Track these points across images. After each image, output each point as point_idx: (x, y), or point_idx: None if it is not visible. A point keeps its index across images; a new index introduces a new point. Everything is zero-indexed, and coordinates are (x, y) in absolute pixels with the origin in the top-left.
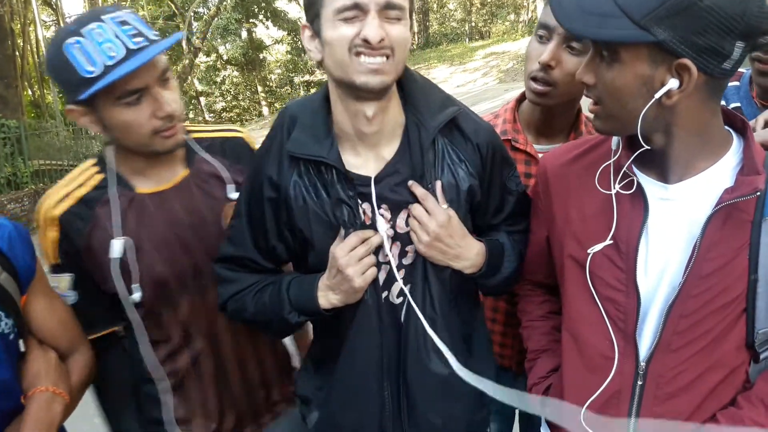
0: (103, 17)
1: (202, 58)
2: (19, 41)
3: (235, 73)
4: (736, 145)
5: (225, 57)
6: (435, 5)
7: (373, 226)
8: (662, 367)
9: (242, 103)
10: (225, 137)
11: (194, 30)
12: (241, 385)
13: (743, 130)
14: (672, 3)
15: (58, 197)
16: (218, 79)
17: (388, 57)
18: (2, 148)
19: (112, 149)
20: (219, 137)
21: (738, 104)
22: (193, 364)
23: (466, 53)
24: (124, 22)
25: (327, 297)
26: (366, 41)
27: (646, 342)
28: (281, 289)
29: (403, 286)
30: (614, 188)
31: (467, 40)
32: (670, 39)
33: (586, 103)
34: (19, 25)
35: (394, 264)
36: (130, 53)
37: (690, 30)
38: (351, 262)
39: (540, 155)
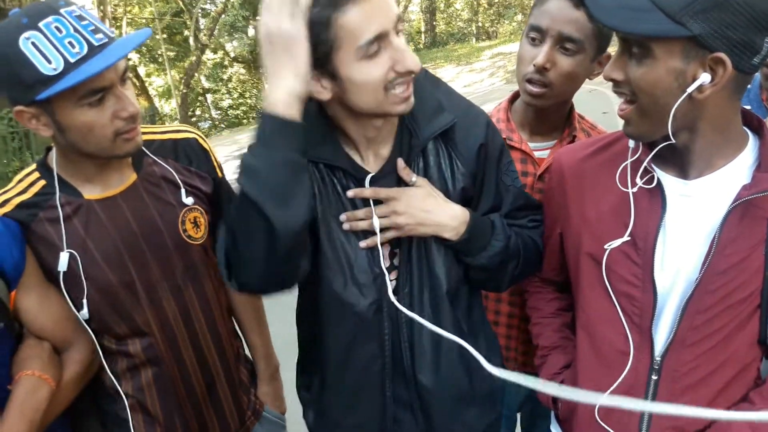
0: (60, 10)
1: (209, 55)
2: None
3: (242, 71)
4: (752, 143)
5: (232, 54)
6: (442, 5)
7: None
8: (677, 362)
9: (249, 101)
10: (176, 138)
11: (201, 27)
12: (208, 399)
13: (759, 129)
14: None
15: None
16: (225, 77)
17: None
18: (10, 142)
19: (56, 153)
20: (170, 139)
21: (748, 107)
22: (155, 379)
23: (473, 53)
24: (81, 17)
25: (273, 93)
26: (410, 72)
27: (661, 337)
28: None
29: (393, 296)
30: (636, 185)
31: (474, 40)
32: (706, 33)
33: (582, 103)
34: None
35: (390, 288)
36: (94, 49)
37: (725, 24)
38: (271, 12)
39: (535, 153)
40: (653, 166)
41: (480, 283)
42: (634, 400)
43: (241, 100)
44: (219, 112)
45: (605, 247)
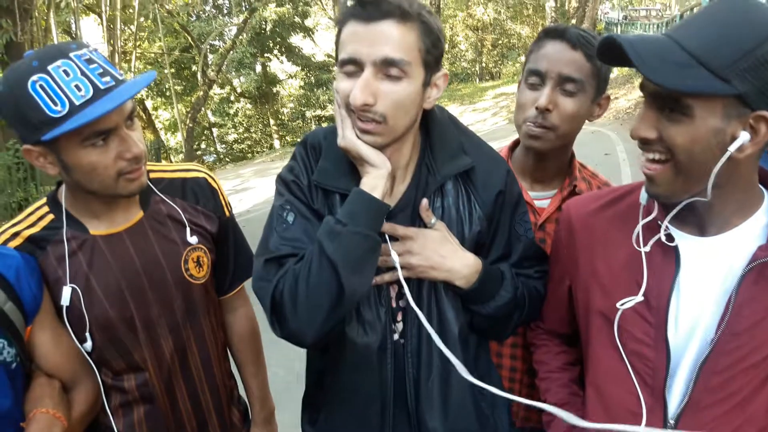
0: (70, 54)
1: (216, 90)
2: None
3: (248, 106)
4: (767, 201)
5: (239, 90)
6: (447, 45)
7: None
8: (692, 425)
9: (254, 135)
10: (185, 177)
11: (209, 62)
12: None
13: None
14: (759, 54)
15: (7, 236)
16: (231, 111)
17: (378, 122)
18: (15, 173)
19: (65, 189)
20: (178, 177)
21: None
22: (147, 417)
23: (476, 93)
24: (90, 60)
25: (373, 188)
26: (354, 105)
27: (675, 399)
28: (324, 221)
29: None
30: (648, 245)
31: (478, 80)
32: (751, 91)
33: (584, 145)
34: None
35: (408, 293)
36: (99, 93)
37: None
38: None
39: (536, 202)
40: (668, 223)
41: (483, 331)
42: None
43: (246, 135)
44: (224, 146)
45: (618, 306)
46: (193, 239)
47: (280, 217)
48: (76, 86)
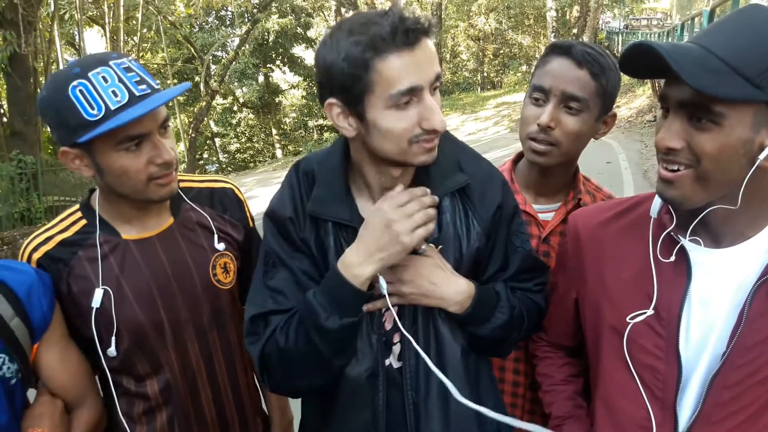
0: (110, 62)
1: (219, 100)
2: (41, 80)
3: (251, 116)
4: None
5: (241, 100)
6: (448, 55)
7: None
8: None
9: (256, 145)
10: (213, 188)
11: (212, 73)
12: None
13: None
14: None
15: (40, 240)
16: (234, 121)
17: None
18: (18, 183)
19: (99, 194)
20: (207, 187)
21: None
22: (170, 423)
23: (478, 102)
24: (128, 69)
25: (362, 267)
26: (435, 131)
27: (685, 413)
28: (307, 299)
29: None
30: (666, 255)
31: (479, 89)
32: None
33: (586, 154)
34: (42, 64)
35: (398, 320)
36: (134, 99)
37: None
38: (400, 217)
39: (540, 215)
40: (679, 235)
41: (481, 350)
42: None
43: (248, 144)
44: (226, 155)
45: (628, 320)
46: (220, 246)
47: (266, 264)
48: (113, 92)
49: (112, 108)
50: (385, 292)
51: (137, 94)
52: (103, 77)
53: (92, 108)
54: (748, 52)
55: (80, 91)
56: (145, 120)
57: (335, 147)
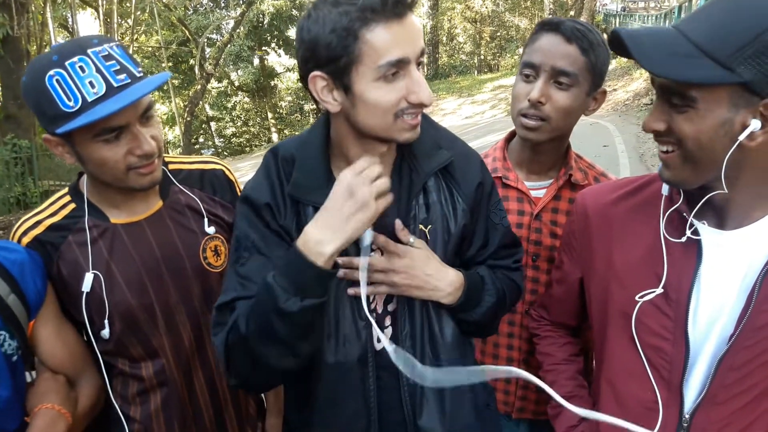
0: (88, 50)
1: (214, 83)
2: None
3: (246, 99)
4: None
5: (236, 83)
6: (444, 38)
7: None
8: (707, 420)
9: (252, 129)
10: (203, 169)
11: (207, 56)
12: (215, 426)
13: None
14: (763, 40)
15: (29, 224)
16: (229, 105)
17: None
18: (13, 167)
19: (87, 178)
20: (197, 169)
21: None
22: (164, 404)
23: (475, 85)
24: (108, 57)
25: (322, 245)
26: (422, 105)
27: (691, 394)
28: (266, 280)
29: (384, 337)
30: (678, 235)
31: (476, 72)
32: (757, 78)
33: (583, 137)
34: (35, 47)
35: (366, 308)
36: (111, 90)
37: None
38: (363, 182)
39: (532, 192)
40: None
41: (469, 333)
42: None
43: (244, 128)
44: (222, 139)
45: (637, 298)
46: (210, 229)
47: (237, 250)
48: (90, 83)
49: (89, 100)
50: (362, 280)
51: (115, 85)
52: (80, 67)
53: (69, 99)
54: (720, 34)
55: (57, 80)
56: (125, 111)
57: (314, 130)
